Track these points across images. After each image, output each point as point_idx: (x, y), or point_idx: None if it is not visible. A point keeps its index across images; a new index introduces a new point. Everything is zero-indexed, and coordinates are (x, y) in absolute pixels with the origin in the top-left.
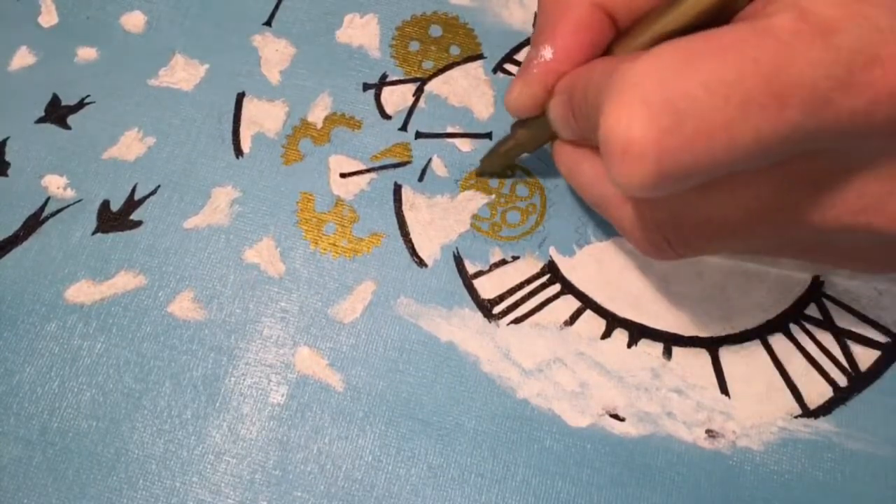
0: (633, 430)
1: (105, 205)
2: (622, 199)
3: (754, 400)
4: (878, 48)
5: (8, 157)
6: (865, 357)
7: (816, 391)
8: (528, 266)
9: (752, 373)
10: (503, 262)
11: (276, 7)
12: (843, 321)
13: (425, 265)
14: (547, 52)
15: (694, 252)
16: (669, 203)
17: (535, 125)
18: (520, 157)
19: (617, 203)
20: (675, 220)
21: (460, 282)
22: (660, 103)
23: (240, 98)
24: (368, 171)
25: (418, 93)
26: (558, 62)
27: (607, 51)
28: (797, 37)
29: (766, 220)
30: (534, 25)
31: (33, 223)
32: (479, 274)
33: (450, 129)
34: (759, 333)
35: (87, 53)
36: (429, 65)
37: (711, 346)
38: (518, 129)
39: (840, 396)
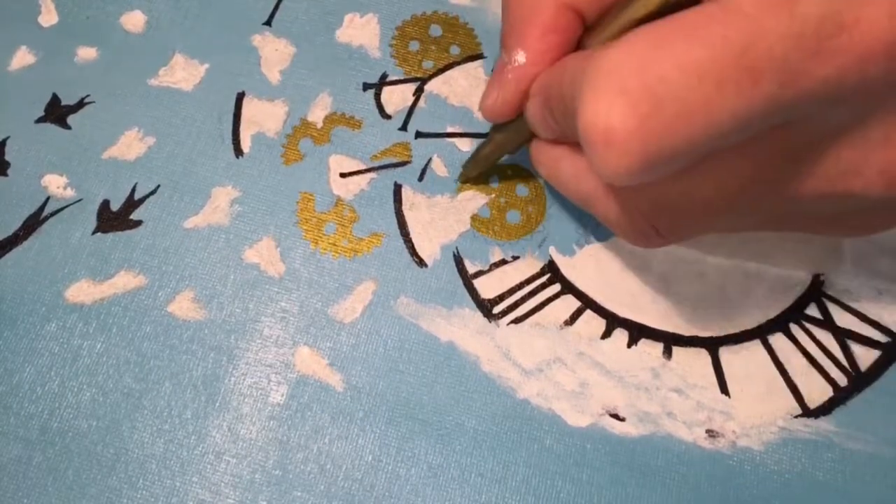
0: (633, 430)
1: (105, 204)
2: (605, 193)
3: (754, 400)
4: (841, 15)
5: (8, 157)
6: (865, 357)
7: (816, 391)
8: (528, 266)
9: (752, 373)
10: (503, 262)
11: (276, 7)
12: (844, 321)
13: (425, 265)
14: (520, 57)
15: (681, 236)
16: (651, 190)
17: (513, 128)
18: (501, 159)
19: (600, 197)
20: (658, 206)
21: (460, 282)
22: (637, 89)
23: (240, 98)
24: (368, 170)
25: (418, 92)
26: (531, 65)
27: (577, 47)
28: (763, 10)
29: (746, 196)
30: (502, 28)
31: (33, 223)
32: (479, 274)
33: (450, 129)
34: (759, 333)
35: (87, 53)
36: (429, 64)
37: (711, 345)
38: (496, 133)
39: (840, 396)
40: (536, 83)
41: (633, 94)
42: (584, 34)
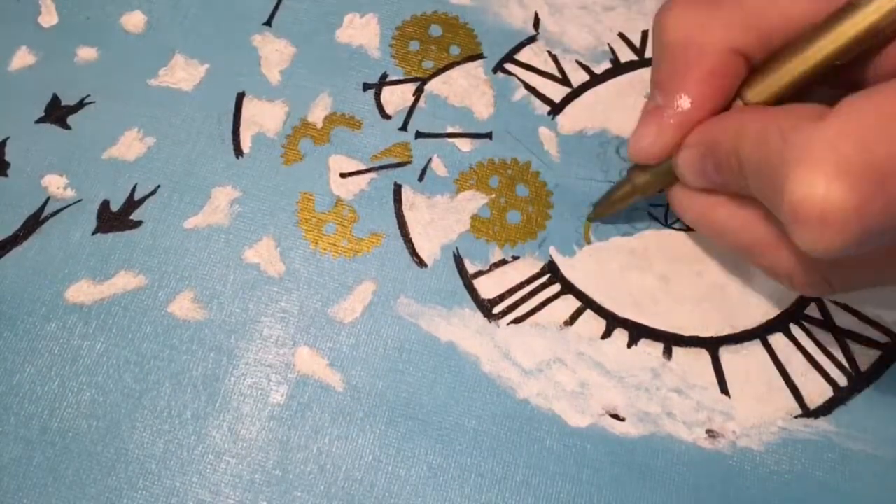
0: (633, 430)
1: (105, 205)
2: (775, 246)
3: (754, 400)
4: None
5: (8, 157)
6: (865, 357)
7: (816, 391)
8: (528, 266)
9: (752, 373)
10: (503, 262)
11: (276, 7)
12: (844, 321)
13: (425, 265)
14: (683, 102)
15: (852, 287)
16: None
17: (658, 172)
18: (635, 201)
19: (767, 250)
20: (839, 264)
21: (460, 282)
22: (861, 169)
23: (240, 98)
24: (368, 170)
25: (418, 92)
26: (696, 111)
27: (738, 93)
28: None
29: None
30: (654, 68)
31: (33, 223)
32: (479, 274)
33: (450, 129)
34: (759, 333)
35: (87, 53)
36: (429, 64)
37: (711, 346)
38: (636, 176)
39: (840, 396)
40: (697, 134)
41: (855, 173)
42: (746, 81)
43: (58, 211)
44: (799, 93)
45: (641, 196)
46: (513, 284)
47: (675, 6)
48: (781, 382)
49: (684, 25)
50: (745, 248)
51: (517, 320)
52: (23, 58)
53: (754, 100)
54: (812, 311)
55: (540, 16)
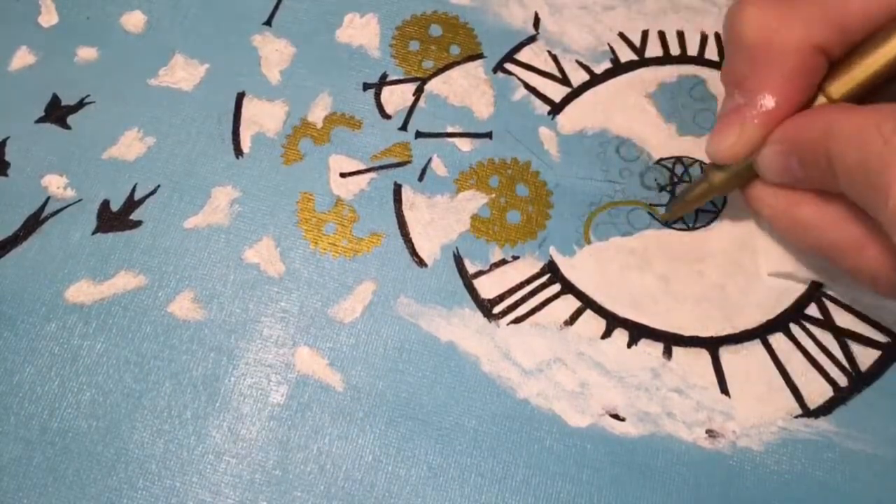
0: (633, 430)
1: (105, 205)
2: (860, 244)
3: (754, 400)
4: None
5: (8, 157)
6: (866, 357)
7: (817, 391)
8: (528, 266)
9: (752, 373)
10: (503, 262)
11: (276, 7)
12: (844, 321)
13: (425, 265)
14: (767, 101)
15: None
16: None
17: (737, 170)
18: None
19: (852, 249)
20: None
21: (460, 282)
22: None
23: (240, 98)
24: (368, 170)
25: (418, 92)
26: (780, 110)
27: (819, 88)
28: None
29: None
30: (726, 64)
31: (33, 223)
32: (479, 274)
33: (450, 129)
34: (759, 333)
35: (87, 53)
36: (429, 64)
37: (711, 346)
38: (713, 174)
39: (840, 396)
40: (781, 131)
41: None
42: (827, 76)
43: (58, 211)
44: (877, 87)
45: (718, 194)
46: (513, 284)
47: (750, 4)
48: (781, 382)
49: (762, 24)
50: (828, 246)
51: (517, 320)
52: (23, 58)
53: (836, 94)
54: (812, 311)
55: (540, 16)
